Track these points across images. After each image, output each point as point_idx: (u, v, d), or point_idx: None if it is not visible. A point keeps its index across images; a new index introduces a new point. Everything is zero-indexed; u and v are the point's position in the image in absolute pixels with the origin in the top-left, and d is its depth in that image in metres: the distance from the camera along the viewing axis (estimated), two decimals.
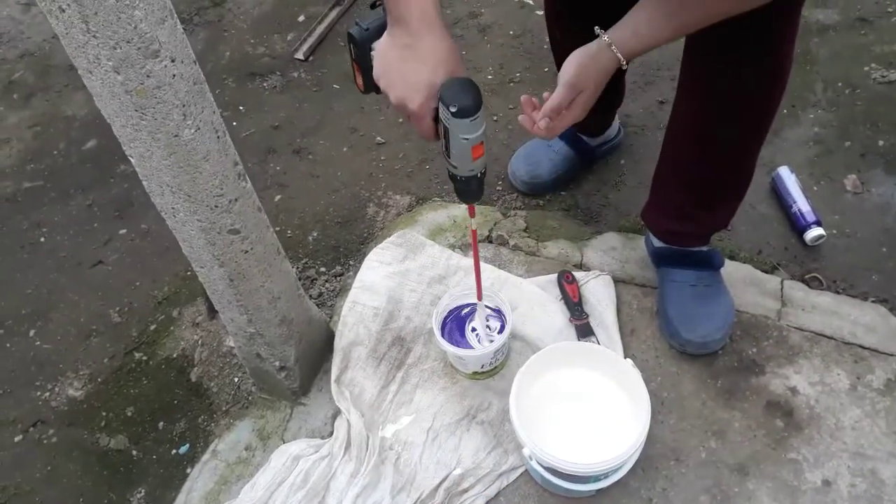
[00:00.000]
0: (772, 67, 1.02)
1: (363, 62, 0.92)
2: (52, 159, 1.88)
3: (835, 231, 1.44)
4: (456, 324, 1.25)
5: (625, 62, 0.93)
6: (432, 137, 0.91)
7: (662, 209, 1.28)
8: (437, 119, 0.88)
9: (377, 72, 0.90)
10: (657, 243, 1.31)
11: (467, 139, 0.85)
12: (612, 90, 1.51)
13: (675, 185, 1.23)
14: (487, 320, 1.23)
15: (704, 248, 1.29)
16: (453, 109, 0.82)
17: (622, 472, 1.06)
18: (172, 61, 0.79)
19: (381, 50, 0.89)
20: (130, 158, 0.89)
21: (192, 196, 0.91)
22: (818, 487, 1.10)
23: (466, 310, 1.26)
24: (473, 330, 1.24)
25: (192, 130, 0.85)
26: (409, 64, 0.86)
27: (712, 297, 1.26)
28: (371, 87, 0.93)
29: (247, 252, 1.02)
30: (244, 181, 0.98)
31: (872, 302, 1.32)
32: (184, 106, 0.83)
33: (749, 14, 0.84)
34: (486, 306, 1.24)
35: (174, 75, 0.80)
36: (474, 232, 1.07)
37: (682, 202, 1.22)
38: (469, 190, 0.95)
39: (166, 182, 0.89)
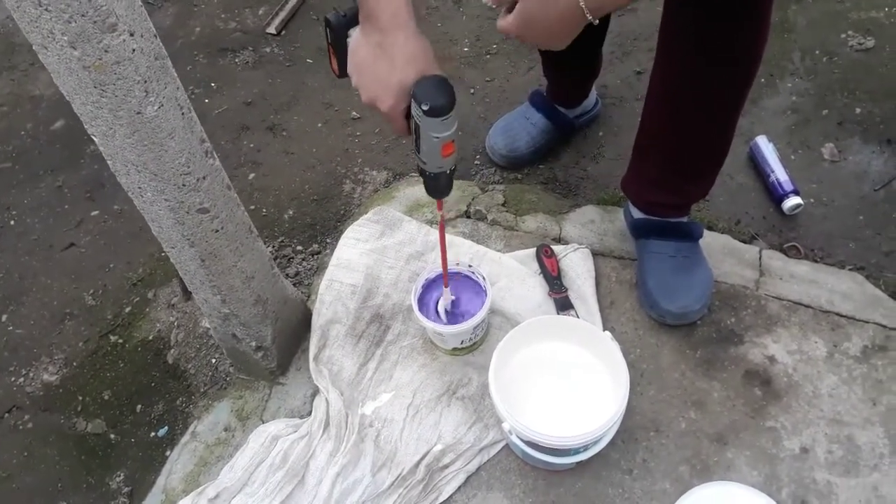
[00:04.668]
0: (749, 31, 1.00)
1: (339, 48, 0.91)
2: (20, 140, 1.84)
3: (812, 200, 1.44)
4: (435, 300, 1.24)
5: (590, 16, 0.83)
6: (405, 134, 0.91)
7: (642, 179, 1.27)
8: (408, 115, 0.87)
9: (350, 68, 0.89)
10: (637, 215, 1.30)
11: (438, 137, 0.85)
12: (589, 61, 1.50)
13: (654, 155, 1.22)
14: (451, 305, 1.23)
15: (684, 220, 1.28)
16: (425, 108, 0.82)
17: (602, 444, 1.06)
18: (131, 35, 0.76)
19: (354, 46, 0.88)
20: (93, 137, 0.87)
21: (158, 175, 0.88)
22: (796, 455, 1.11)
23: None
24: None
25: (156, 107, 0.83)
26: (380, 63, 0.85)
27: (691, 268, 1.26)
28: (346, 73, 0.92)
29: (217, 231, 1.00)
30: (212, 158, 0.96)
31: (849, 270, 1.32)
32: (145, 82, 0.80)
33: None
34: (467, 276, 1.24)
35: (134, 50, 0.77)
36: (442, 223, 1.07)
37: (661, 172, 1.21)
38: (437, 186, 0.95)
39: (131, 161, 0.87)
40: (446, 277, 1.16)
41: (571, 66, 1.46)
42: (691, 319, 1.24)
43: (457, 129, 0.87)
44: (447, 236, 1.38)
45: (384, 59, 0.85)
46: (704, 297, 1.23)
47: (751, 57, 1.04)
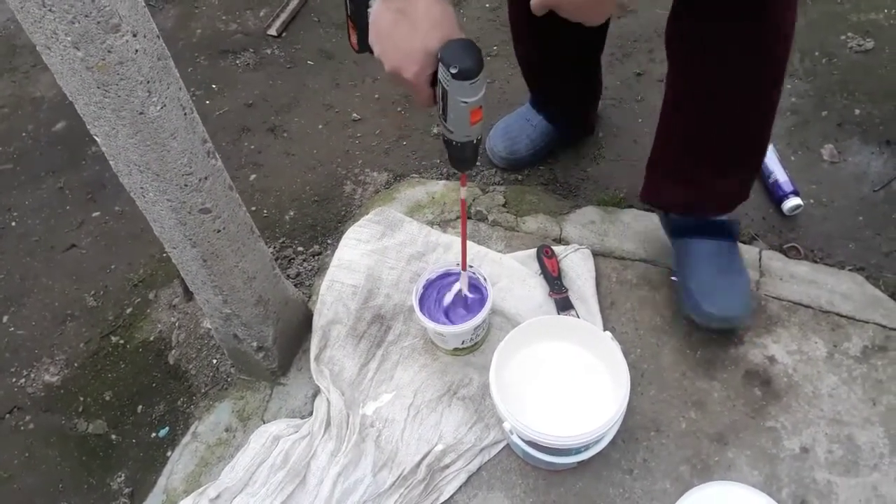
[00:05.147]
0: (769, 22, 0.97)
1: (359, 20, 0.88)
2: (21, 142, 1.84)
3: (812, 201, 1.44)
4: (436, 300, 1.24)
5: None
6: (430, 104, 0.88)
7: (670, 179, 1.23)
8: (434, 83, 0.85)
9: (371, 38, 0.87)
10: (676, 215, 1.26)
11: (466, 102, 0.83)
12: (590, 86, 1.50)
13: (680, 152, 1.18)
14: (468, 294, 1.22)
15: (724, 217, 1.24)
16: (454, 71, 0.79)
17: (603, 443, 1.06)
18: (134, 36, 0.77)
19: (375, 15, 0.86)
20: (96, 137, 0.87)
21: (160, 175, 0.89)
22: (796, 454, 1.12)
23: (445, 286, 1.25)
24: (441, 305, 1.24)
25: (158, 107, 0.83)
26: (402, 30, 0.83)
27: (731, 272, 1.21)
28: (366, 46, 0.90)
29: (219, 231, 1.00)
30: (214, 159, 0.96)
31: (849, 270, 1.32)
32: (148, 82, 0.81)
33: None
34: (468, 276, 1.24)
35: (137, 50, 0.78)
36: (463, 202, 1.04)
37: (690, 169, 1.17)
38: (464, 157, 0.92)
39: (133, 161, 0.87)
40: (465, 259, 1.15)
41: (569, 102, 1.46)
42: (735, 325, 1.20)
43: (485, 94, 0.84)
44: (449, 237, 1.39)
45: (406, 25, 0.82)
46: (747, 306, 1.19)
47: (772, 48, 1.00)
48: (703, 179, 1.19)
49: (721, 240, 1.23)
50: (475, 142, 0.90)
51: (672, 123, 1.17)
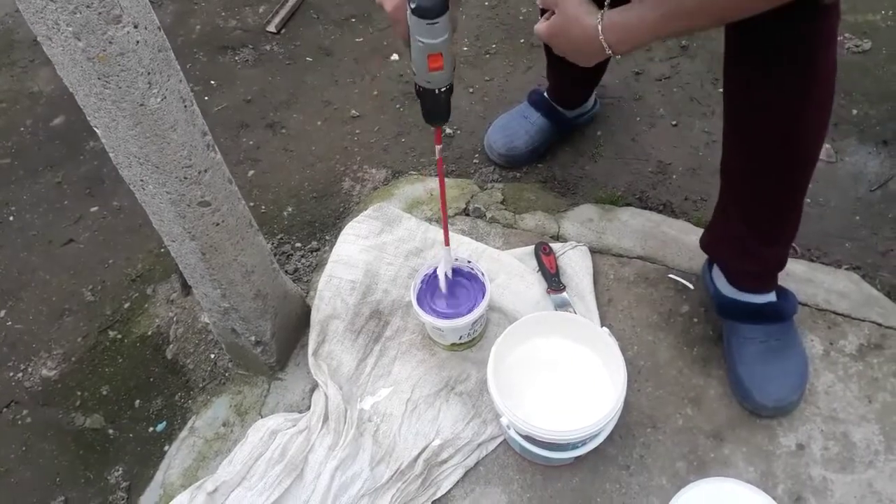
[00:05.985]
0: (802, 75, 0.91)
1: None
2: (19, 136, 1.84)
3: (809, 200, 1.45)
4: (433, 295, 1.25)
5: (609, 50, 0.89)
6: (405, 38, 0.89)
7: (727, 243, 1.18)
8: None
9: None
10: (725, 291, 1.21)
11: (423, 43, 0.84)
12: (597, 66, 1.50)
13: (736, 218, 1.12)
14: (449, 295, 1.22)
15: (773, 300, 1.18)
16: (412, 6, 0.82)
17: (599, 439, 1.06)
18: (135, 27, 0.77)
19: None
20: (96, 129, 0.87)
21: (160, 167, 0.89)
22: (792, 451, 1.12)
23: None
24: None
25: (159, 99, 0.83)
26: None
27: (784, 352, 1.17)
28: None
29: (218, 224, 1.00)
30: (213, 152, 0.96)
31: (845, 269, 1.33)
32: (149, 74, 0.81)
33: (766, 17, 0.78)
34: (466, 272, 1.24)
35: (138, 42, 0.78)
36: (440, 161, 1.03)
37: (744, 235, 1.12)
38: (429, 108, 0.93)
39: (133, 153, 0.87)
40: (447, 232, 1.15)
41: (574, 69, 1.46)
42: (789, 411, 1.16)
43: (446, 42, 0.85)
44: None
45: None
46: (801, 386, 1.16)
47: (803, 106, 0.94)
48: (754, 248, 1.13)
49: (771, 324, 1.17)
50: (437, 92, 0.90)
51: (728, 182, 1.13)
